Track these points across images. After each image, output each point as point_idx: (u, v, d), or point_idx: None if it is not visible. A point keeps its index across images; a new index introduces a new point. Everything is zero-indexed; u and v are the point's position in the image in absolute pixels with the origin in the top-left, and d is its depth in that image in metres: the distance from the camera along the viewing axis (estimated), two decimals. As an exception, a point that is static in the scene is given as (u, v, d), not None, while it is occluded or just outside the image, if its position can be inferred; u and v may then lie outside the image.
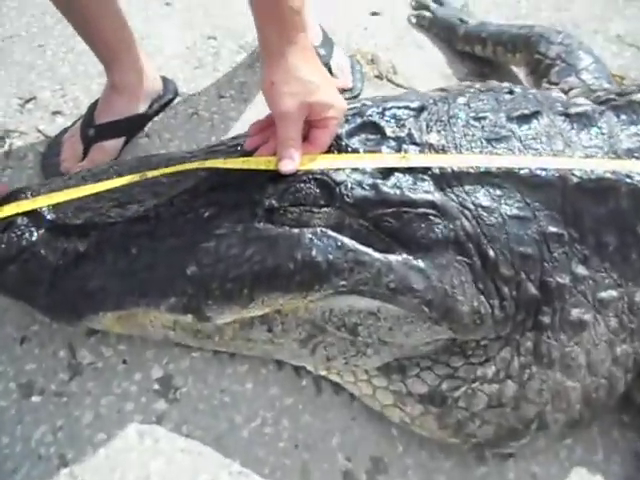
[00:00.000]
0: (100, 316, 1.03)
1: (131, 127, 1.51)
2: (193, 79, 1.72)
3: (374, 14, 2.05)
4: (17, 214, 1.06)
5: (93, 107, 1.49)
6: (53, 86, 1.66)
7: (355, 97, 1.69)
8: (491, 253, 0.93)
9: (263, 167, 0.99)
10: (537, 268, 0.94)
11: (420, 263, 0.92)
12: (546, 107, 1.07)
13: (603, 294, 0.97)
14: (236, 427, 1.11)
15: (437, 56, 1.93)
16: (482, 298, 0.93)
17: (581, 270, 0.96)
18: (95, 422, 1.10)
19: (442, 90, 1.24)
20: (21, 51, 1.74)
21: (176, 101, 1.62)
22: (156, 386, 1.15)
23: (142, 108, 1.52)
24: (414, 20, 2.02)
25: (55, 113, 1.60)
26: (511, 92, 1.13)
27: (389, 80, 1.80)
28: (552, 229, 0.95)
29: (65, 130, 1.52)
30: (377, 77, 1.81)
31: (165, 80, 1.60)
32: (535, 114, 1.04)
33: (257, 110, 1.60)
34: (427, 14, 2.00)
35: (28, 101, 1.61)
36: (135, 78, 1.48)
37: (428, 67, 1.88)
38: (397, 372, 1.05)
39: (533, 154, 0.98)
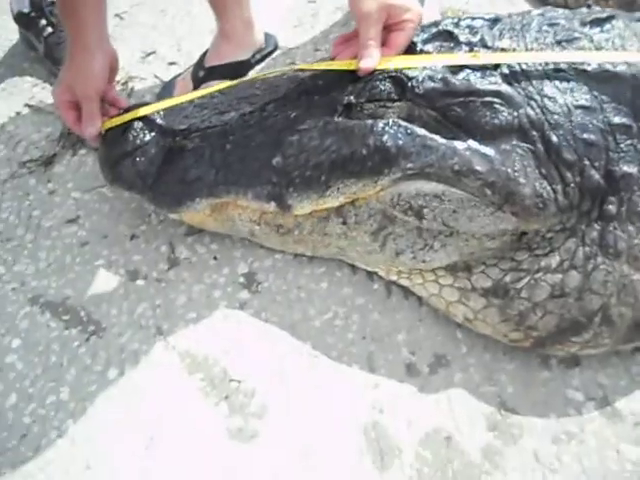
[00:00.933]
0: (196, 203, 1.17)
1: (236, 71, 1.67)
2: (292, 36, 1.87)
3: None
4: (134, 119, 1.24)
5: (204, 54, 1.68)
6: (171, 42, 1.88)
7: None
8: (554, 139, 0.96)
9: (345, 67, 1.10)
10: (602, 156, 0.96)
11: (484, 148, 0.98)
12: (623, 15, 1.08)
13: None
14: (309, 317, 1.21)
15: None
16: (545, 183, 0.96)
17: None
18: (187, 304, 1.24)
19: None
20: (145, 15, 1.99)
21: (276, 53, 1.77)
22: (241, 279, 1.28)
23: (246, 56, 1.68)
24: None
25: (171, 64, 1.81)
26: (589, 6, 1.15)
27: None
28: (619, 120, 0.97)
29: (178, 75, 1.72)
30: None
31: (267, 35, 1.76)
32: (610, 18, 1.06)
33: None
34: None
35: (149, 54, 1.84)
36: (242, 28, 1.65)
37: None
38: (463, 270, 1.09)
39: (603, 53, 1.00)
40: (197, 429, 1.07)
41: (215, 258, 1.31)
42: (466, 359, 1.14)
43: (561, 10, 1.13)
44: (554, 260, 1.01)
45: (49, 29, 1.77)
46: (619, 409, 1.06)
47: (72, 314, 1.25)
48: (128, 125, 1.23)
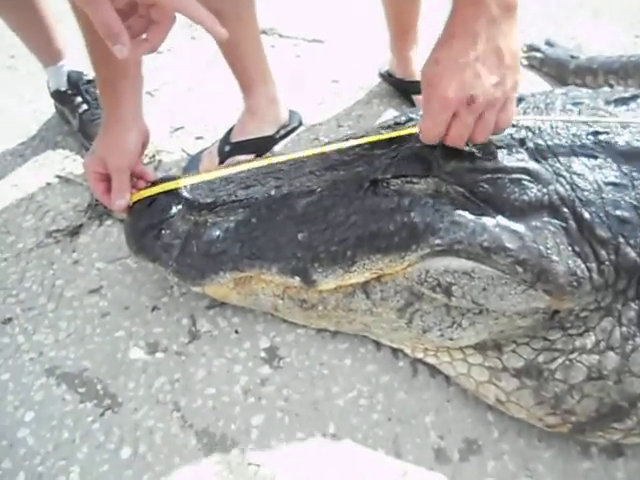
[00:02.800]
0: (220, 276, 1.16)
1: (260, 146, 1.72)
2: (316, 113, 1.92)
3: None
4: (161, 192, 1.25)
5: (230, 130, 1.73)
6: (198, 118, 1.94)
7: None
8: (586, 215, 0.94)
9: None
10: (637, 234, 0.93)
11: (514, 225, 0.96)
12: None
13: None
14: (332, 396, 1.16)
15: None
16: (579, 261, 0.94)
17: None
18: (207, 378, 1.21)
19: None
20: (174, 92, 2.07)
21: (300, 129, 1.81)
22: (263, 354, 1.24)
23: (270, 131, 1.73)
24: (525, 62, 2.11)
25: (198, 138, 1.86)
26: (611, 85, 1.16)
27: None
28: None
29: (205, 149, 1.76)
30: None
31: (292, 112, 1.82)
32: (634, 97, 1.07)
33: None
34: (538, 55, 2.08)
35: (177, 129, 1.90)
36: (266, 104, 1.70)
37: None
38: (493, 349, 1.05)
39: (630, 131, 1.00)
40: (212, 517, 1.01)
41: (236, 332, 1.29)
42: (499, 445, 1.08)
43: (584, 90, 1.15)
44: (589, 340, 0.96)
45: (84, 106, 1.85)
46: (668, 506, 0.98)
47: (88, 387, 1.21)
48: (155, 198, 1.24)
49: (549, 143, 1.02)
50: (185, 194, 1.24)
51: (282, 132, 1.77)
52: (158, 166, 1.76)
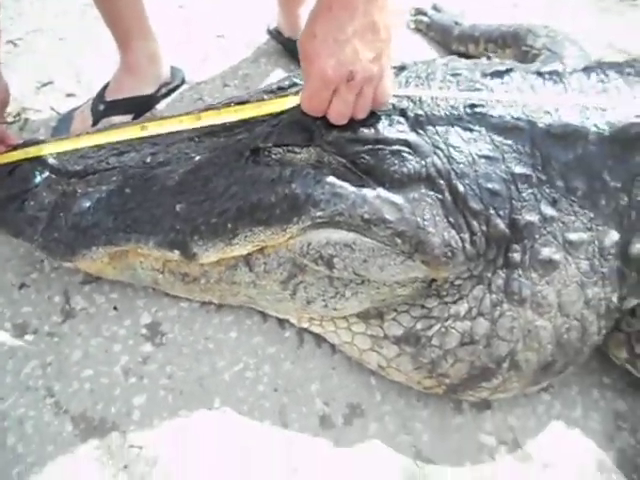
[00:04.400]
0: (92, 251, 1.08)
1: (139, 106, 1.60)
2: (200, 70, 1.82)
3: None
4: (24, 159, 1.13)
5: (105, 86, 1.59)
6: (69, 73, 1.77)
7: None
8: (461, 188, 0.97)
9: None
10: (506, 205, 0.98)
11: (393, 197, 0.97)
12: (521, 67, 1.13)
13: (573, 236, 1.00)
14: (218, 370, 1.14)
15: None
16: (453, 232, 0.97)
17: (550, 211, 1.00)
18: (83, 360, 1.14)
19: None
20: (42, 42, 1.87)
21: (183, 88, 1.71)
22: (144, 331, 1.19)
23: (150, 90, 1.61)
24: (412, 25, 2.12)
25: (69, 95, 1.70)
26: (489, 57, 1.19)
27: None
28: (520, 170, 0.99)
29: (77, 108, 1.61)
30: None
31: (173, 69, 1.70)
32: (509, 70, 1.10)
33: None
34: (425, 19, 2.10)
35: (45, 85, 1.73)
36: (146, 61, 1.58)
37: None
38: (375, 317, 1.08)
39: (503, 105, 1.04)
40: (92, 504, 0.97)
41: (115, 308, 1.22)
42: (381, 407, 1.12)
43: (464, 60, 1.17)
44: (463, 307, 1.01)
45: None
46: (529, 452, 1.08)
47: (-53, 377, 1.10)
48: (17, 164, 1.13)
49: (429, 114, 1.03)
50: (51, 161, 1.14)
51: (163, 91, 1.66)
52: (23, 126, 1.59)
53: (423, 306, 1.04)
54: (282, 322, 1.21)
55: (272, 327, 1.21)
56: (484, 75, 1.10)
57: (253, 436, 1.06)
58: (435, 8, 2.16)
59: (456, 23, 1.99)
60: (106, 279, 1.22)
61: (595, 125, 1.02)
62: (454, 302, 1.02)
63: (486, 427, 1.11)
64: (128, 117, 1.56)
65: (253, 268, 1.08)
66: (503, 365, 1.01)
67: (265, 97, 1.13)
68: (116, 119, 1.54)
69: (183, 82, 1.72)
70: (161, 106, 1.66)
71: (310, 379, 1.15)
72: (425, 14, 2.12)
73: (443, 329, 1.02)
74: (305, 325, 1.17)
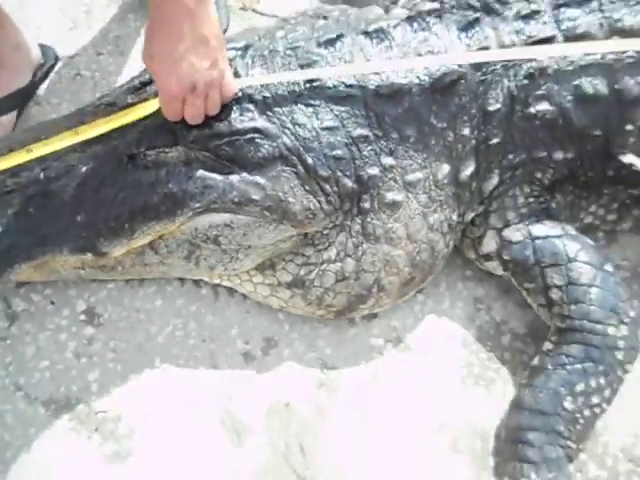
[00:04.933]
0: (16, 269, 1.24)
1: (19, 100, 1.65)
2: (70, 41, 1.83)
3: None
4: None
5: (-20, 88, 1.62)
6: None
7: (224, 32, 1.83)
8: (309, 160, 1.15)
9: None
10: (350, 166, 1.18)
11: (256, 178, 1.15)
12: (350, 29, 1.26)
13: (410, 177, 1.21)
14: (152, 336, 1.38)
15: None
16: (310, 197, 1.17)
17: (389, 161, 1.20)
18: (37, 353, 1.35)
19: (283, 20, 1.42)
20: None
21: (58, 65, 1.75)
22: (82, 317, 1.39)
23: (26, 80, 1.65)
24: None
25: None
26: (325, 17, 1.30)
27: (254, 10, 1.94)
28: (358, 132, 1.17)
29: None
30: (242, 9, 1.94)
31: (43, 47, 1.72)
32: (339, 37, 1.23)
33: (134, 64, 1.74)
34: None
35: None
36: (13, 52, 1.60)
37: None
38: (269, 268, 1.30)
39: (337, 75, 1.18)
40: (77, 464, 1.23)
41: (52, 303, 1.40)
42: (290, 335, 1.39)
43: (301, 29, 1.28)
44: (332, 252, 1.24)
45: None
46: (409, 344, 1.38)
47: None
48: None
49: (274, 95, 1.17)
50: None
51: (39, 75, 1.70)
52: None
53: (303, 254, 1.26)
54: (197, 282, 1.43)
55: (190, 288, 1.43)
56: (319, 45, 1.23)
57: (191, 382, 1.32)
58: None
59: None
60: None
61: (417, 78, 1.19)
62: (325, 249, 1.24)
63: (374, 332, 1.39)
64: (12, 114, 1.62)
65: (158, 251, 1.27)
66: (372, 290, 1.27)
67: (129, 99, 1.24)
68: (3, 119, 1.60)
69: (57, 60, 1.75)
70: (41, 92, 1.71)
71: (230, 325, 1.39)
72: None
73: (320, 272, 1.25)
74: (217, 281, 1.39)
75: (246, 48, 1.25)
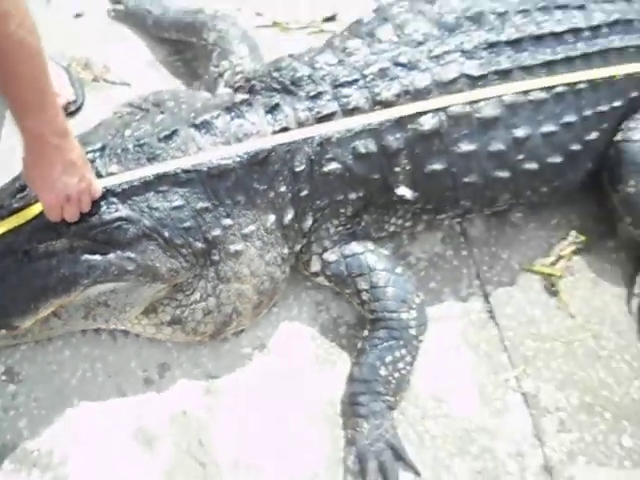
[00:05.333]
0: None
1: None
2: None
3: (77, 16, 2.39)
4: None
5: None
6: None
7: (79, 108, 2.13)
8: (166, 234, 1.53)
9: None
10: (198, 232, 1.57)
11: (128, 254, 1.51)
12: (183, 122, 1.63)
13: (246, 230, 1.63)
14: (66, 381, 1.72)
15: (140, 45, 2.36)
16: (172, 260, 1.55)
17: (227, 222, 1.60)
18: (-29, 416, 1.65)
19: (129, 105, 1.77)
20: None
21: None
22: (3, 377, 1.70)
23: None
24: (113, 14, 2.39)
25: None
26: (162, 112, 1.67)
27: (105, 80, 2.24)
28: (200, 205, 1.56)
29: None
30: (94, 80, 2.23)
31: None
32: (174, 132, 1.59)
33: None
34: (120, 7, 2.38)
35: None
36: None
37: (135, 58, 2.32)
38: (152, 312, 1.67)
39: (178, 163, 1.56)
40: (23, 495, 1.57)
41: (-26, 370, 1.70)
42: (179, 359, 1.78)
43: (144, 127, 1.63)
44: (197, 295, 1.64)
45: None
46: (270, 348, 1.82)
47: None
48: None
49: (131, 187, 1.53)
50: None
51: None
52: None
53: (176, 299, 1.65)
54: (97, 330, 1.78)
55: (91, 336, 1.78)
56: (159, 140, 1.59)
57: (106, 410, 1.69)
58: (129, -7, 2.42)
59: (148, 12, 2.30)
60: (-43, 353, 1.68)
61: (239, 157, 1.60)
62: (192, 293, 1.64)
63: (243, 343, 1.82)
64: None
65: (60, 317, 1.60)
66: (232, 317, 1.68)
67: (14, 203, 1.54)
68: None
69: None
70: None
71: (129, 359, 1.76)
72: (120, 2, 2.39)
73: (191, 310, 1.65)
74: (113, 327, 1.74)
75: (102, 149, 1.58)
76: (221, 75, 1.97)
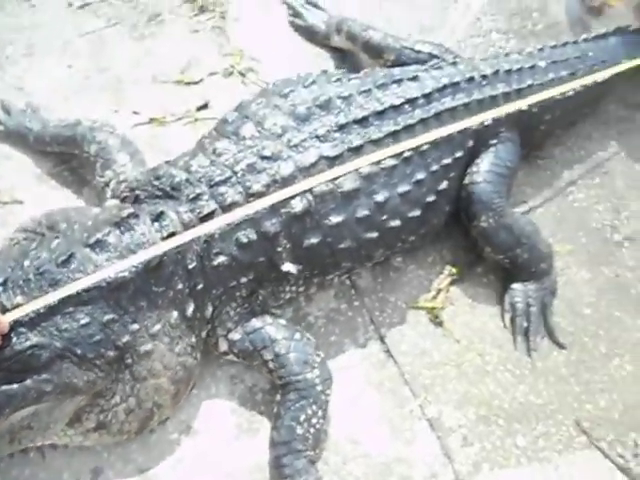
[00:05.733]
0: None
1: None
2: None
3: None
4: None
5: None
6: None
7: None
8: (79, 351, 1.66)
9: None
10: (108, 342, 1.70)
11: (44, 376, 1.62)
12: (77, 244, 1.77)
13: (153, 330, 1.78)
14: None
15: (26, 161, 2.47)
16: (88, 372, 1.68)
17: (134, 327, 1.74)
18: None
19: (24, 230, 1.89)
20: None
21: None
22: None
23: None
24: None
25: None
26: (57, 237, 1.80)
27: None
28: (106, 318, 1.70)
29: None
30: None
31: None
32: (71, 255, 1.72)
33: None
34: (2, 128, 2.47)
35: None
36: None
37: (23, 174, 2.43)
38: (76, 422, 1.78)
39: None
40: None
41: None
42: (110, 459, 1.89)
43: (41, 255, 1.74)
44: (117, 398, 1.76)
45: None
46: (195, 428, 1.96)
47: None
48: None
49: (38, 314, 1.64)
50: None
51: None
52: None
53: (98, 405, 1.77)
54: (24, 449, 1.85)
55: (20, 457, 1.86)
56: (58, 265, 1.71)
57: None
58: (6, 110, 2.51)
59: (29, 129, 2.41)
60: None
61: (134, 267, 1.75)
62: (112, 397, 1.76)
63: (170, 429, 1.96)
64: None
65: (-10, 441, 1.68)
66: (154, 410, 1.82)
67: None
68: None
69: None
70: None
71: (60, 472, 1.86)
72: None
73: (114, 413, 1.77)
74: (40, 443, 1.82)
75: (4, 283, 1.68)
76: (107, 184, 2.13)
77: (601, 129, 2.93)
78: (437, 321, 2.29)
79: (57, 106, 2.61)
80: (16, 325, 1.63)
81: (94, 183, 2.24)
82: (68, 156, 2.45)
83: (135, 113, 2.64)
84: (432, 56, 2.50)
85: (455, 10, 3.24)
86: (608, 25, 3.10)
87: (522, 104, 2.37)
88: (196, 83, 2.78)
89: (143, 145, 2.49)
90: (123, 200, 1.97)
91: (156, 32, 2.95)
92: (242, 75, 2.83)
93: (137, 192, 1.93)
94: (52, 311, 1.67)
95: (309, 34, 3.01)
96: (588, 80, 2.56)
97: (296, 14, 3.07)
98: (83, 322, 1.68)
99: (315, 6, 3.09)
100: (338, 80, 2.19)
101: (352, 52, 2.89)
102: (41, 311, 1.66)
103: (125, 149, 2.22)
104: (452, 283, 2.39)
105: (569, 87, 2.51)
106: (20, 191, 2.36)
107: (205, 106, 2.69)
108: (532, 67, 2.49)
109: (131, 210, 1.84)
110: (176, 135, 2.58)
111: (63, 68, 2.76)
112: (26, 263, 1.74)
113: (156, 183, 1.92)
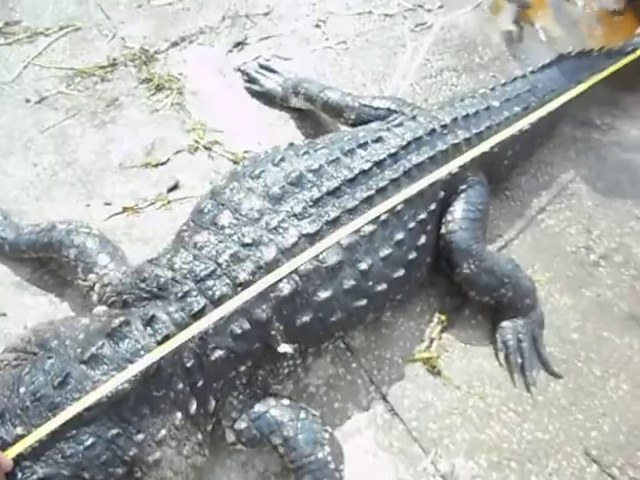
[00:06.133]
0: None
1: None
2: None
3: None
4: None
5: None
6: None
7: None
8: (87, 475, 1.63)
9: None
10: (116, 459, 1.68)
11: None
12: (72, 361, 1.75)
13: (159, 436, 1.76)
14: None
15: (4, 270, 2.43)
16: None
17: (140, 437, 1.73)
18: None
19: (14, 350, 1.87)
20: None
21: None
22: None
23: None
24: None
25: None
26: (50, 357, 1.78)
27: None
28: (111, 433, 1.68)
29: None
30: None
31: None
32: (67, 375, 1.70)
33: None
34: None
35: None
36: None
37: (3, 284, 2.39)
38: None
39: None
40: None
41: None
42: None
43: (36, 379, 1.72)
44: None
45: None
46: None
47: None
48: None
49: (39, 444, 1.62)
50: None
51: None
52: None
53: None
54: None
55: None
56: (55, 387, 1.69)
57: None
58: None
59: (3, 238, 2.38)
60: None
61: (134, 377, 1.74)
62: None
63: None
64: None
65: None
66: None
67: None
68: None
69: None
70: None
71: None
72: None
73: None
74: None
75: (2, 414, 1.65)
76: (92, 288, 2.12)
77: (560, 152, 3.04)
78: (435, 371, 2.32)
79: (28, 208, 2.60)
80: (19, 459, 1.61)
81: (78, 284, 2.22)
82: (46, 259, 2.42)
83: (107, 204, 2.64)
84: (390, 111, 2.57)
85: (404, 54, 3.34)
86: (548, 50, 3.26)
87: (484, 147, 2.45)
88: (163, 164, 2.79)
89: (120, 236, 2.51)
90: (111, 305, 1.97)
91: (116, 117, 2.96)
92: (208, 149, 2.85)
93: (124, 296, 1.93)
94: (55, 437, 1.65)
95: (267, 99, 3.06)
96: (542, 112, 2.66)
97: (251, 80, 3.13)
98: (88, 443, 1.66)
99: (269, 69, 3.15)
100: (306, 153, 2.23)
101: (312, 111, 2.96)
102: (43, 440, 1.63)
103: (104, 249, 2.21)
104: (443, 330, 2.43)
105: (525, 122, 2.61)
106: (1, 303, 2.33)
107: (176, 186, 2.71)
108: (487, 108, 2.59)
109: (122, 318, 1.84)
110: (151, 221, 2.59)
111: (29, 167, 2.74)
112: (22, 390, 1.71)
113: (142, 285, 1.93)
